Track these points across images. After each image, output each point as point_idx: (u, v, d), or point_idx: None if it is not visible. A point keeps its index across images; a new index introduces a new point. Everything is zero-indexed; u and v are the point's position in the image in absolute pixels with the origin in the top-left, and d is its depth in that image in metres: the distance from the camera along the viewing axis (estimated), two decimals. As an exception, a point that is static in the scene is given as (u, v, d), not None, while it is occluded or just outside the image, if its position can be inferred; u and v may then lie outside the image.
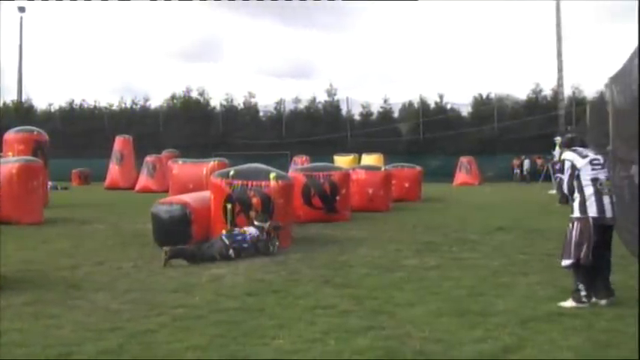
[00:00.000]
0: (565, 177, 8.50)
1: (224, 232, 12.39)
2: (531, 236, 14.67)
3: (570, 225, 8.31)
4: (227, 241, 11.98)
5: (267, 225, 12.64)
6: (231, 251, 11.87)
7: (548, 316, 7.44)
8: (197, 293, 8.84)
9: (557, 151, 27.69)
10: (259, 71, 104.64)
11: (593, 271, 8.15)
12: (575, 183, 8.35)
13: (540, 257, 11.74)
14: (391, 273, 10.32)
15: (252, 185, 13.25)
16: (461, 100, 57.60)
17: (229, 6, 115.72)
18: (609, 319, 7.34)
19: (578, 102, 50.15)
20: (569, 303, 8.07)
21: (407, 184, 27.28)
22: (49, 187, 26.22)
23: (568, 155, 8.54)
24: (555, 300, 8.24)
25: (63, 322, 7.32)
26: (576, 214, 8.27)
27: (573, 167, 8.36)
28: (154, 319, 7.45)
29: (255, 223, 12.69)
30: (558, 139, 28.17)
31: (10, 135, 25.69)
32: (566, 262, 8.31)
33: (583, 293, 8.07)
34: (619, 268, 9.18)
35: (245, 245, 12.08)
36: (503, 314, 7.54)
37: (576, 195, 8.32)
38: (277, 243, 12.65)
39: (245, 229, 12.50)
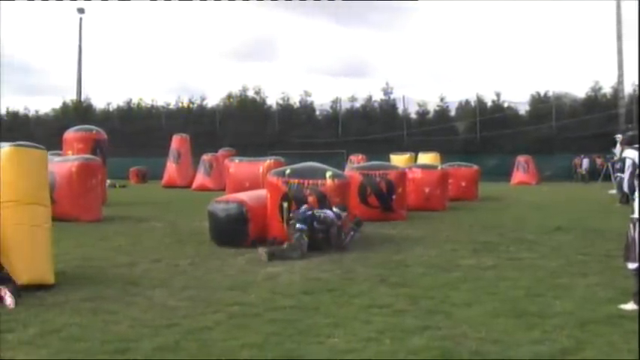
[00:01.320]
0: (626, 175, 8.29)
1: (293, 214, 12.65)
2: (590, 237, 14.44)
3: (632, 226, 8.03)
4: (304, 226, 12.27)
5: (344, 214, 12.84)
6: (315, 224, 12.40)
7: (607, 319, 7.30)
8: (253, 291, 8.87)
9: (617, 148, 27.24)
10: (314, 70, 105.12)
11: None
12: (636, 182, 8.07)
13: (600, 258, 11.54)
14: (447, 273, 10.24)
15: (308, 184, 13.26)
16: (518, 98, 57.24)
17: (283, 6, 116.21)
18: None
19: (638, 100, 49.34)
20: (630, 306, 7.83)
21: (464, 184, 27.10)
22: (107, 185, 26.56)
23: (629, 153, 8.30)
24: (615, 302, 8.09)
25: (120, 317, 7.41)
26: (636, 214, 7.95)
27: (634, 165, 8.11)
28: (210, 316, 7.49)
29: (334, 209, 12.93)
30: (619, 137, 27.70)
31: (70, 134, 26.07)
32: (632, 266, 7.97)
33: None
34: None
35: (316, 225, 12.41)
36: (561, 316, 7.43)
37: (637, 194, 8.00)
38: (356, 236, 13.07)
39: (324, 210, 12.73)
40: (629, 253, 8.08)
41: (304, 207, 12.67)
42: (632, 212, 8.09)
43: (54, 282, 9.10)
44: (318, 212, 12.65)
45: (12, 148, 9.22)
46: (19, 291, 8.33)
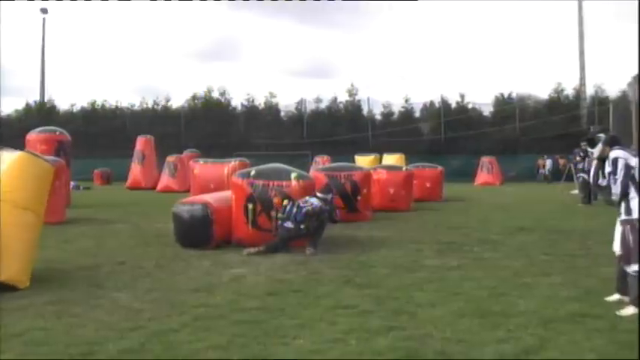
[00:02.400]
0: (620, 176, 8.09)
1: (279, 214, 12.79)
2: (553, 236, 14.58)
3: (629, 227, 7.89)
4: (291, 225, 12.47)
5: (329, 197, 13.28)
6: (302, 227, 12.45)
7: (570, 317, 7.39)
8: (218, 293, 8.86)
9: (598, 147, 27.40)
10: (279, 71, 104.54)
11: None
12: (631, 183, 7.91)
13: (562, 258, 11.67)
14: (412, 273, 10.29)
15: (273, 185, 13.26)
16: (482, 99, 57.54)
17: (246, 6, 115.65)
18: (633, 320, 7.28)
19: (600, 101, 50.00)
20: (631, 310, 7.63)
21: (428, 184, 27.20)
22: (71, 187, 26.36)
23: (620, 153, 8.11)
24: (578, 301, 8.20)
25: (85, 321, 7.36)
26: (636, 215, 7.83)
27: (628, 166, 7.95)
28: (175, 318, 7.47)
29: (319, 195, 13.15)
30: (601, 136, 27.93)
31: (33, 135, 25.85)
32: (634, 268, 7.77)
33: None
34: None
35: (304, 211, 12.54)
36: (524, 315, 7.51)
37: (633, 195, 7.89)
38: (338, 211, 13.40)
39: (307, 199, 12.83)
40: (630, 256, 7.86)
41: (289, 203, 12.80)
42: (628, 213, 7.94)
43: (26, 286, 9.12)
44: (303, 205, 12.66)
45: (23, 153, 9.76)
46: None
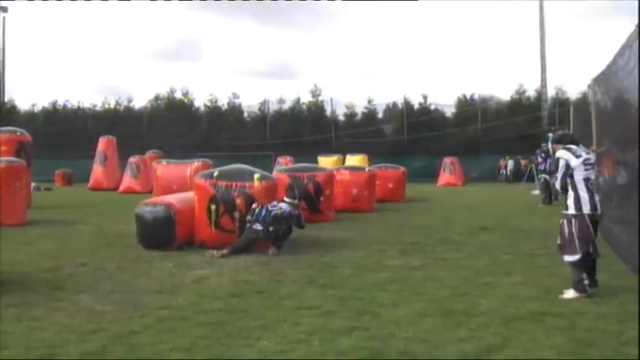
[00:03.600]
0: (559, 175, 8.73)
1: (249, 216, 12.82)
2: (515, 236, 14.71)
3: (565, 221, 8.65)
4: (260, 227, 12.55)
5: (296, 201, 13.67)
6: (270, 229, 12.53)
7: (531, 316, 7.47)
8: (181, 294, 8.82)
9: (549, 145, 27.70)
10: (241, 71, 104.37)
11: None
12: (568, 181, 8.64)
13: (523, 257, 11.80)
14: (375, 273, 10.33)
15: (236, 186, 13.24)
16: (445, 100, 57.74)
17: (206, 6, 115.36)
18: (592, 318, 7.38)
19: (561, 103, 50.53)
20: (572, 294, 8.43)
21: (391, 185, 27.31)
22: (32, 188, 26.11)
23: (563, 154, 8.77)
24: (538, 300, 8.31)
25: (46, 323, 7.30)
26: (572, 210, 8.58)
27: (567, 166, 8.64)
28: (137, 320, 7.43)
29: (287, 200, 13.46)
30: (551, 135, 28.24)
31: (-7, 135, 25.58)
32: (572, 258, 8.59)
33: (586, 282, 8.44)
34: (602, 267, 9.20)
35: (272, 214, 12.68)
36: (486, 314, 7.58)
37: (570, 193, 8.62)
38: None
39: (276, 203, 13.08)
40: (566, 247, 8.65)
41: (258, 206, 12.84)
42: (566, 209, 8.69)
43: None
44: (272, 209, 12.78)
45: None
46: None
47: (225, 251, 12.25)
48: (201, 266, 11.12)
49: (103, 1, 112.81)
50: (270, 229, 12.53)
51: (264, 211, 12.70)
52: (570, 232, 8.55)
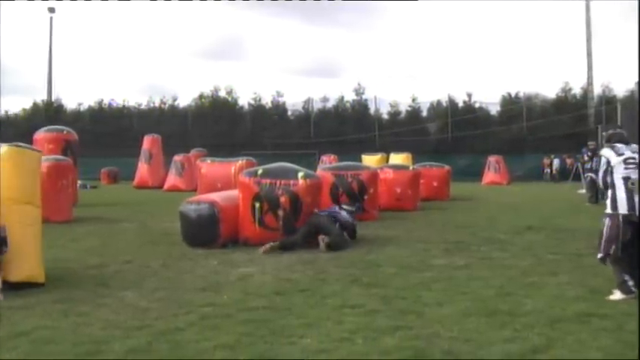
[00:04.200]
0: (600, 172, 8.70)
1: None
2: (560, 236, 14.55)
3: (604, 220, 8.57)
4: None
5: (354, 208, 13.96)
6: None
7: (577, 317, 7.36)
8: (225, 292, 8.85)
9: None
10: (285, 70, 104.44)
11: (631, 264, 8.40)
12: (608, 179, 8.57)
13: (569, 257, 11.63)
14: (419, 272, 10.27)
15: (280, 184, 13.26)
16: (489, 98, 57.51)
17: (250, 5, 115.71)
18: (632, 313, 7.27)
19: (607, 100, 49.92)
20: (618, 295, 8.26)
21: (435, 184, 27.18)
22: (78, 185, 26.40)
23: (605, 152, 8.76)
24: (585, 300, 8.18)
25: (92, 319, 7.36)
26: (608, 209, 8.52)
27: (608, 163, 8.59)
28: (182, 317, 7.46)
29: (345, 207, 13.95)
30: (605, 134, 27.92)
31: (40, 134, 25.93)
32: (599, 256, 8.60)
33: (630, 283, 8.27)
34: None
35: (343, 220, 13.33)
36: (531, 314, 7.48)
37: (609, 191, 8.55)
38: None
39: (338, 210, 13.69)
40: (599, 245, 8.62)
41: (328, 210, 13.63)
42: (605, 209, 8.62)
43: (44, 281, 9.19)
44: (335, 214, 13.45)
45: (10, 148, 9.43)
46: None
47: (275, 243, 12.45)
48: (245, 264, 11.14)
49: (149, 1, 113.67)
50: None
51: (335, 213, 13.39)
52: (601, 231, 8.53)
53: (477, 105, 56.38)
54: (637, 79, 48.01)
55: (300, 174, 13.49)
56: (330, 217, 13.24)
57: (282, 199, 13.07)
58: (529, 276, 9.88)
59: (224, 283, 9.48)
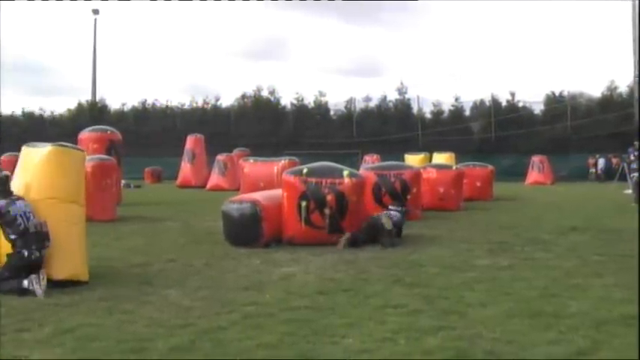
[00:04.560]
0: None
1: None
2: (606, 237, 14.37)
3: None
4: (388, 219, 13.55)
5: (402, 209, 14.45)
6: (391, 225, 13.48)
7: (623, 319, 7.24)
8: (268, 291, 8.87)
9: None
10: (327, 70, 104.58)
11: None
12: None
13: (615, 258, 11.48)
14: (462, 273, 10.21)
15: (326, 182, 13.26)
16: (533, 98, 57.06)
17: (292, 5, 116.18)
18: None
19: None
20: None
21: (478, 183, 27.03)
22: (122, 185, 26.66)
23: None
24: (631, 302, 8.03)
25: (136, 317, 7.43)
26: None
27: None
28: (224, 316, 7.50)
29: (392, 208, 14.51)
30: None
31: (85, 134, 26.23)
32: None
33: None
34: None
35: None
36: (576, 316, 7.39)
37: None
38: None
39: (390, 213, 14.07)
40: None
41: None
42: None
43: (88, 279, 9.31)
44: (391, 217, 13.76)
45: (54, 147, 9.59)
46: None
47: (348, 235, 13.02)
48: (287, 263, 11.16)
49: (191, 1, 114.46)
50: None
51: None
52: None
53: (520, 104, 56.04)
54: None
55: (346, 172, 13.50)
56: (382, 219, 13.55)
57: (329, 198, 13.08)
58: (574, 277, 9.77)
59: (267, 283, 9.50)
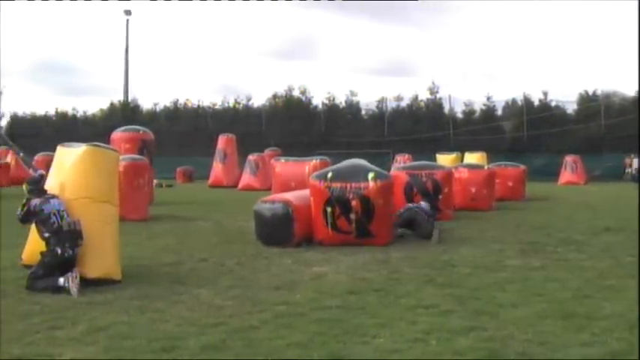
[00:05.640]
0: None
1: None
2: (640, 237, 14.21)
3: None
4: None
5: (432, 211, 15.55)
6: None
7: (659, 321, 7.18)
8: (299, 291, 8.88)
9: None
10: (358, 69, 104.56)
11: None
12: None
13: (650, 259, 11.36)
14: (494, 273, 10.17)
15: (351, 187, 13.15)
16: (566, 97, 56.48)
17: (321, 5, 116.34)
18: None
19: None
20: None
21: (510, 183, 26.85)
22: (154, 184, 26.80)
23: None
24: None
25: (167, 316, 7.48)
26: None
27: None
28: (256, 315, 7.52)
29: (423, 203, 15.58)
30: None
31: (117, 134, 26.37)
32: None
33: None
34: None
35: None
36: (610, 318, 7.32)
37: None
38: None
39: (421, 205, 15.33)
40: None
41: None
42: None
43: (120, 278, 9.39)
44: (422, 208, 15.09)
45: (89, 147, 9.77)
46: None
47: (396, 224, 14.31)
48: (319, 263, 11.17)
49: (221, 1, 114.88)
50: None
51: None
52: None
53: (553, 103, 55.53)
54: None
55: (371, 175, 13.28)
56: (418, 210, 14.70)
57: (354, 203, 13.00)
58: (607, 278, 9.67)
59: (298, 282, 9.52)
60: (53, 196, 9.26)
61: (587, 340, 6.49)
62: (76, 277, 8.62)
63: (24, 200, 9.27)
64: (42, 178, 9.67)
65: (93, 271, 9.08)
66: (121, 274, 9.48)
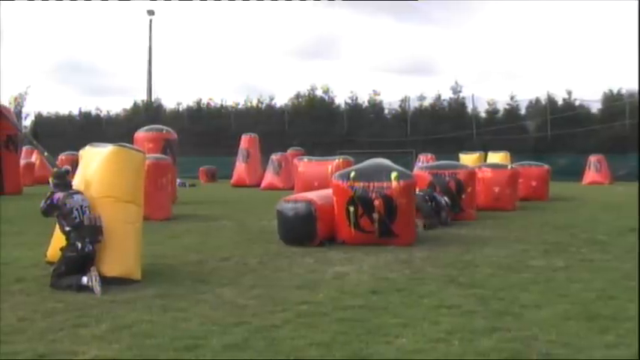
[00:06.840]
0: None
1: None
2: (666, 238, 14.09)
3: None
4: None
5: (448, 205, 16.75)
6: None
7: (684, 322, 7.11)
8: (321, 290, 8.88)
9: None
10: (381, 69, 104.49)
11: None
12: None
13: (676, 260, 11.26)
14: (517, 273, 10.11)
15: (373, 187, 13.13)
16: (590, 96, 56.05)
17: (342, 4, 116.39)
18: None
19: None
20: None
21: (534, 183, 26.75)
22: (177, 184, 26.90)
23: None
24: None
25: (190, 315, 7.49)
26: None
27: None
28: (278, 314, 7.52)
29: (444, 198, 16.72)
30: None
31: (141, 134, 26.53)
32: None
33: None
34: None
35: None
36: (635, 319, 7.24)
37: None
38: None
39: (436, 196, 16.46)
40: None
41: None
42: None
43: (140, 278, 9.40)
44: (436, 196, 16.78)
45: (116, 148, 9.88)
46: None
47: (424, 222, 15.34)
48: (341, 262, 11.16)
49: (244, 1, 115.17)
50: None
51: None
52: None
53: (577, 102, 55.16)
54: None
55: (394, 175, 13.22)
56: (426, 196, 15.59)
57: (376, 203, 12.98)
58: (632, 279, 9.58)
59: (320, 282, 9.51)
60: (77, 192, 9.36)
61: (612, 341, 6.43)
62: (97, 275, 8.67)
63: (48, 193, 9.36)
64: (67, 173, 9.76)
65: (113, 269, 9.12)
66: (144, 273, 9.51)
